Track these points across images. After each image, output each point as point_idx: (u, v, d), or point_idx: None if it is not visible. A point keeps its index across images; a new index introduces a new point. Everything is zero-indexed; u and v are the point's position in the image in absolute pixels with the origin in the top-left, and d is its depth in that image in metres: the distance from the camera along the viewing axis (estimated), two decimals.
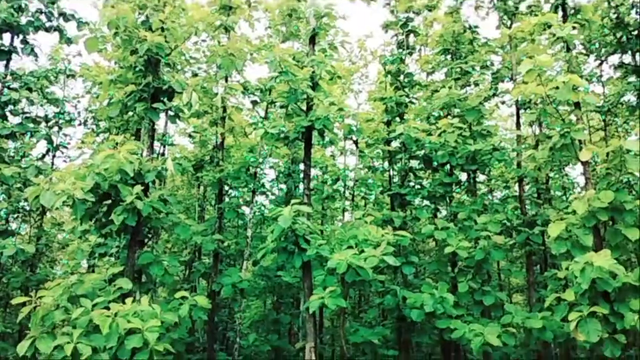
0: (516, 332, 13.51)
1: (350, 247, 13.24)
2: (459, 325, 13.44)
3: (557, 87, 12.55)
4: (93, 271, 15.90)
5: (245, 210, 19.10)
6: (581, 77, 13.73)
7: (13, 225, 19.85)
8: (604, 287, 11.40)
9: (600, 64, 19.78)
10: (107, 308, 11.39)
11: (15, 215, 19.26)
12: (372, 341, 13.91)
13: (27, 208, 19.32)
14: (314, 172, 21.36)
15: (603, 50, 18.34)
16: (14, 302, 12.24)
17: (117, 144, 12.65)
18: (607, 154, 12.76)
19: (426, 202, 18.14)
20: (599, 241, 12.77)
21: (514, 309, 14.40)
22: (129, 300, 11.69)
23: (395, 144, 17.73)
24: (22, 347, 11.21)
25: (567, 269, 12.37)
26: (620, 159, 12.36)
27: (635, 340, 11.46)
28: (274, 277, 16.87)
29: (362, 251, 12.92)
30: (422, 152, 16.60)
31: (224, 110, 17.50)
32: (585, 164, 13.00)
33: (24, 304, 11.90)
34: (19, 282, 17.09)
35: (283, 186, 21.55)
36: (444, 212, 18.27)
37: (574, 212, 12.56)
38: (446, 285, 14.71)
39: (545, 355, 14.55)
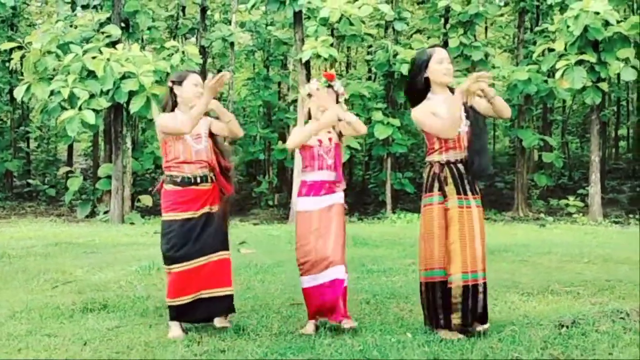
0: (501, 85, 13.87)
1: None
2: None
3: None
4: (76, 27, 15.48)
5: None
6: None
7: None
8: (595, 34, 11.45)
9: None
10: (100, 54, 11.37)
11: None
12: (362, 94, 14.22)
13: None
14: None
15: None
16: (2, 47, 12.15)
17: None
18: None
19: None
20: None
21: (501, 63, 14.65)
22: (119, 46, 11.62)
23: None
24: (19, 92, 11.43)
25: (559, 22, 12.34)
26: None
27: None
28: (264, 33, 16.59)
29: (356, 0, 12.66)
30: None
31: None
32: None
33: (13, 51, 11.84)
34: (3, 38, 16.74)
35: None
36: None
37: None
38: (437, 41, 14.72)
39: (525, 110, 15.09)
